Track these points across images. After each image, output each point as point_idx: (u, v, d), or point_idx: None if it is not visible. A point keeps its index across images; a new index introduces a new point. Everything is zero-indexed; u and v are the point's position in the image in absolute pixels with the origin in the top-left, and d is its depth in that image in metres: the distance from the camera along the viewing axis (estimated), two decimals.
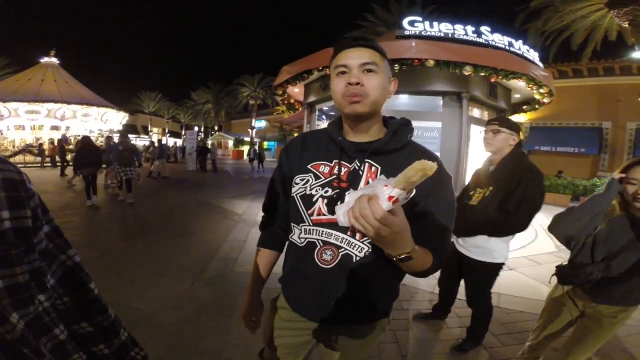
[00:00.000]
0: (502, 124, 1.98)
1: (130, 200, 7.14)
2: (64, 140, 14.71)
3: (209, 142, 28.97)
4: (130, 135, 11.25)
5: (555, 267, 1.65)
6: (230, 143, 34.20)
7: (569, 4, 9.69)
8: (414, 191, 0.73)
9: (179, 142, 39.10)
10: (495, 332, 2.49)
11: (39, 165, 15.05)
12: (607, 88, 13.74)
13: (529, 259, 4.40)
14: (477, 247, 2.01)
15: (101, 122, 21.16)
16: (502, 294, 3.15)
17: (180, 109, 41.05)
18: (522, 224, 1.87)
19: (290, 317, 1.00)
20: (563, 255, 4.62)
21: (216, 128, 39.07)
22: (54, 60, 21.46)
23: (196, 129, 24.31)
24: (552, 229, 1.56)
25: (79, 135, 20.31)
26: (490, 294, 2.18)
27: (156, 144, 13.28)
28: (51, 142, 16.50)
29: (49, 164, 15.14)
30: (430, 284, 3.26)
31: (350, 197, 0.68)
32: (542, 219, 7.50)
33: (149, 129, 37.92)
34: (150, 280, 3.22)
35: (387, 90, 0.89)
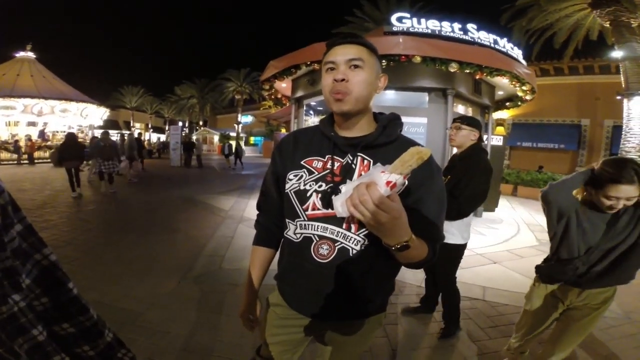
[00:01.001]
0: (463, 121, 2.22)
1: (113, 190, 7.72)
2: (41, 136, 14.16)
3: (194, 137, 28.38)
4: (111, 131, 11.20)
5: (536, 267, 1.67)
6: (216, 138, 33.58)
7: (553, 4, 9.92)
8: (406, 183, 0.75)
9: (163, 137, 38.15)
10: (482, 325, 2.55)
11: (16, 162, 14.41)
12: (586, 86, 14.23)
13: (511, 252, 4.52)
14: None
15: (81, 117, 20.42)
16: (487, 287, 3.24)
17: (163, 104, 39.77)
18: (464, 210, 2.09)
19: (287, 314, 1.00)
20: (544, 249, 4.75)
21: (201, 123, 38.24)
22: (31, 54, 20.64)
23: (180, 124, 23.72)
24: (551, 196, 1.49)
25: (57, 132, 19.60)
26: (455, 276, 2.34)
27: (126, 139, 12.15)
28: (28, 138, 15.83)
29: (27, 161, 14.54)
30: (417, 278, 3.31)
31: (347, 187, 0.69)
32: (523, 214, 7.68)
33: (132, 125, 36.79)
34: (135, 278, 3.14)
35: (374, 86, 0.90)
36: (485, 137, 6.93)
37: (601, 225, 1.40)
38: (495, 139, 7.62)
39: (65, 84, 21.12)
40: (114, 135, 18.83)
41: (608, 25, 9.83)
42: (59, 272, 0.63)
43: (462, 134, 2.19)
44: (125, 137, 13.22)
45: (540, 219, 7.05)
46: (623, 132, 9.63)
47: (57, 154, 7.23)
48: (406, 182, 0.66)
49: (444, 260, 2.12)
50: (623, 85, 9.69)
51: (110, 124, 29.71)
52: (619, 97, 9.81)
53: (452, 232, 2.14)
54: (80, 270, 3.29)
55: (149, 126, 40.17)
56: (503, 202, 8.40)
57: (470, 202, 2.07)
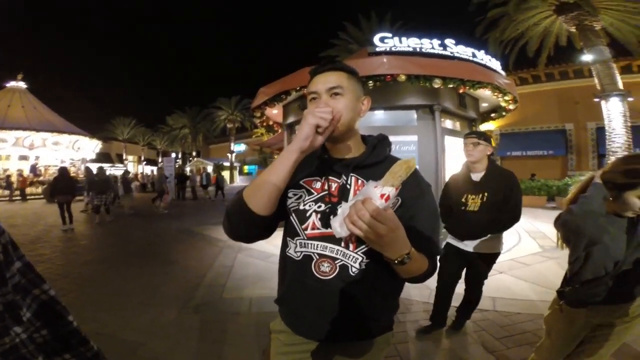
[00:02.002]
0: (479, 137, 2.30)
1: (110, 219, 8.46)
2: (33, 171, 14.03)
3: (187, 168, 28.34)
4: (104, 165, 11.47)
5: (560, 293, 1.50)
6: (210, 169, 33.60)
7: (521, 13, 10.47)
8: (399, 199, 0.85)
9: (155, 169, 37.92)
10: (496, 336, 2.48)
11: (7, 199, 14.12)
12: (564, 91, 14.74)
13: (516, 261, 4.48)
14: (485, 242, 2.28)
15: (73, 150, 20.20)
16: (496, 297, 3.17)
17: (156, 135, 39.75)
18: (518, 216, 2.25)
19: (291, 340, 0.97)
20: (548, 255, 4.75)
21: (194, 154, 38.31)
22: (22, 84, 20.50)
23: (173, 155, 23.67)
24: (584, 229, 1.31)
25: (49, 166, 19.35)
26: None
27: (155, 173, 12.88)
28: (19, 173, 15.57)
29: (19, 197, 14.26)
30: (423, 294, 3.25)
31: (343, 207, 0.72)
32: (522, 222, 7.66)
33: (124, 157, 36.65)
34: (134, 310, 3.09)
35: (356, 109, 0.93)
36: None
37: (621, 235, 1.28)
38: None
39: (56, 115, 20.99)
40: (109, 169, 18.62)
41: (574, 30, 10.38)
42: (58, 305, 0.66)
43: (480, 149, 2.27)
44: (154, 172, 13.29)
45: (539, 226, 7.06)
46: (607, 133, 9.88)
47: (50, 188, 7.54)
48: (399, 199, 0.72)
49: (488, 268, 2.38)
50: (598, 87, 10.07)
51: (102, 157, 29.53)
52: (596, 99, 10.17)
53: (499, 242, 2.31)
54: (76, 302, 3.27)
55: (142, 158, 40.00)
56: None
57: (520, 207, 2.24)
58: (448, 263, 2.40)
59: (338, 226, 0.72)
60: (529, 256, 4.71)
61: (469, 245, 2.32)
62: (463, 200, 2.30)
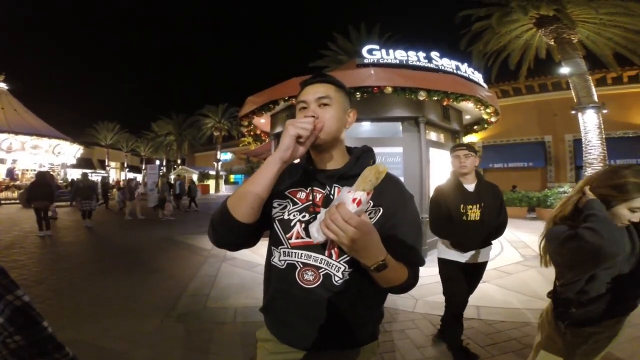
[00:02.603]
0: (469, 149, 2.37)
1: (89, 225, 8.44)
2: (10, 175, 13.49)
3: (172, 176, 27.76)
4: (86, 170, 11.33)
5: (563, 315, 1.40)
6: (195, 177, 33.02)
7: (504, 25, 10.85)
8: (371, 203, 0.87)
9: (139, 177, 36.96)
10: (481, 344, 2.50)
11: None
12: (543, 104, 15.26)
13: (498, 270, 4.55)
14: (484, 252, 2.38)
15: (53, 155, 19.51)
16: (480, 306, 3.20)
17: (140, 141, 38.83)
18: (507, 223, 2.40)
19: (277, 349, 0.96)
20: (530, 264, 4.85)
21: (179, 161, 37.61)
22: (3, 85, 19.83)
23: (158, 162, 23.22)
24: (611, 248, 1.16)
25: (27, 170, 18.59)
26: None
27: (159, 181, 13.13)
28: None
29: None
30: (408, 304, 3.27)
31: (321, 214, 0.74)
32: (506, 233, 7.86)
33: (106, 163, 35.61)
34: (114, 318, 3.00)
35: (343, 121, 0.96)
36: None
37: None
38: None
39: (37, 118, 20.33)
40: (91, 175, 17.99)
41: (553, 43, 10.83)
42: (32, 311, 0.67)
43: (471, 161, 2.34)
44: (137, 179, 12.98)
45: (521, 235, 7.23)
46: (583, 145, 10.21)
47: (26, 194, 7.29)
48: (371, 202, 0.76)
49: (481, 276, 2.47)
50: (575, 100, 10.47)
51: (84, 162, 28.58)
52: (573, 112, 10.54)
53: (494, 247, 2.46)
54: (53, 310, 3.17)
55: (125, 165, 38.94)
56: None
57: (507, 221, 2.38)
58: (456, 282, 2.35)
59: (315, 231, 0.74)
60: (512, 265, 4.81)
61: (468, 257, 2.34)
62: (462, 210, 2.30)
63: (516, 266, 4.77)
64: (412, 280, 0.87)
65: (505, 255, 5.44)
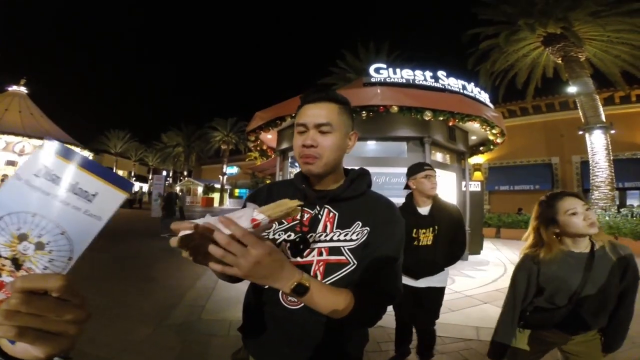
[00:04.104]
0: (433, 168, 2.27)
1: None
2: None
3: (177, 188, 27.97)
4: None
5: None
6: (200, 190, 33.21)
7: (511, 44, 10.92)
8: (268, 235, 0.87)
9: (145, 187, 37.27)
10: None
11: None
12: (550, 124, 15.01)
13: (500, 292, 4.44)
14: (438, 276, 2.23)
15: None
16: (480, 327, 3.12)
17: (149, 151, 39.41)
18: (465, 247, 2.25)
19: None
20: None
21: (185, 173, 37.96)
22: (23, 89, 20.48)
23: (164, 173, 23.48)
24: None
25: None
26: None
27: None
28: (3, 179, 15.21)
29: None
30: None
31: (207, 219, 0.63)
32: (508, 254, 7.71)
33: (114, 171, 36.00)
34: (105, 324, 2.95)
35: (344, 148, 0.93)
36: (463, 183, 7.10)
37: (579, 269, 1.35)
38: (473, 185, 7.62)
39: (51, 122, 20.89)
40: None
41: (560, 61, 10.83)
42: None
43: (437, 182, 2.25)
44: (142, 189, 12.88)
45: None
46: (590, 167, 9.99)
47: None
48: (272, 227, 0.71)
49: (440, 302, 2.31)
50: (582, 120, 10.33)
51: None
52: (580, 132, 10.38)
53: (448, 276, 2.28)
54: None
55: (132, 174, 39.38)
56: (487, 244, 8.45)
57: (465, 245, 2.25)
58: (402, 306, 2.32)
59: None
60: None
61: (421, 282, 2.21)
62: (414, 235, 2.18)
63: None
64: (374, 311, 0.80)
65: (509, 276, 5.29)
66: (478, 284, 4.78)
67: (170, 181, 33.55)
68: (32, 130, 18.53)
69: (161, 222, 9.75)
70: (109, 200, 0.40)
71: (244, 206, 0.76)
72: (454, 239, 2.20)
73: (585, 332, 1.41)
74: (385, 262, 0.85)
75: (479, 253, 7.12)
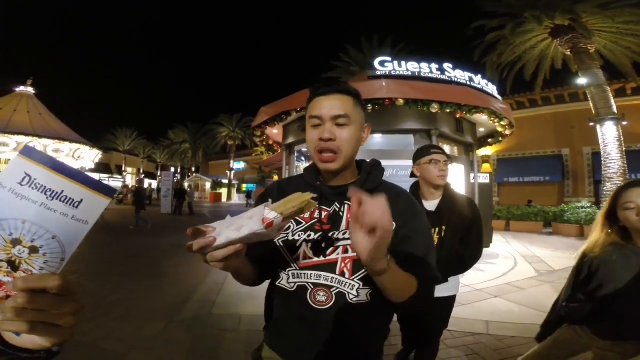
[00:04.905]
0: (445, 153, 1.84)
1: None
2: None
3: (186, 184, 28.28)
4: (103, 176, 11.45)
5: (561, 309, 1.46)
6: (208, 185, 33.50)
7: (518, 36, 10.63)
8: (281, 233, 0.86)
9: (154, 183, 37.71)
10: None
11: None
12: (560, 115, 14.74)
13: (511, 285, 4.42)
14: (447, 284, 1.76)
15: (73, 159, 20.12)
16: (490, 321, 3.11)
17: (156, 148, 39.84)
18: (481, 253, 1.80)
19: None
20: (544, 279, 4.70)
21: (193, 169, 38.34)
22: (30, 89, 20.58)
23: (172, 170, 23.74)
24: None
25: None
26: None
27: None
28: None
29: None
30: None
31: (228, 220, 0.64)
32: (518, 247, 7.63)
33: (123, 169, 36.59)
34: (117, 320, 3.04)
35: (360, 140, 0.90)
36: (472, 175, 7.03)
37: (633, 266, 1.24)
38: (482, 177, 7.55)
39: (60, 122, 20.98)
40: (113, 180, 18.54)
41: (569, 53, 10.56)
42: None
43: (449, 169, 1.82)
44: (152, 185, 13.22)
45: (535, 251, 7.02)
46: (602, 159, 9.82)
47: None
48: (285, 225, 0.69)
49: (450, 312, 1.90)
50: (593, 112, 10.12)
51: (102, 167, 29.35)
52: (591, 124, 10.19)
53: (458, 283, 1.86)
54: None
55: (141, 171, 39.87)
56: (497, 237, 8.37)
57: (482, 245, 1.79)
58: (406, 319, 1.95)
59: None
60: (525, 280, 4.65)
61: None
62: None
63: (530, 281, 4.61)
64: (422, 295, 0.80)
65: (519, 270, 5.27)
66: (488, 278, 4.75)
67: (179, 177, 33.92)
68: (41, 130, 18.68)
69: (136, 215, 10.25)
70: (94, 205, 0.43)
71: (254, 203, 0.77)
72: (465, 239, 1.74)
73: (622, 342, 1.27)
74: (419, 253, 0.84)
75: (488, 246, 7.05)
